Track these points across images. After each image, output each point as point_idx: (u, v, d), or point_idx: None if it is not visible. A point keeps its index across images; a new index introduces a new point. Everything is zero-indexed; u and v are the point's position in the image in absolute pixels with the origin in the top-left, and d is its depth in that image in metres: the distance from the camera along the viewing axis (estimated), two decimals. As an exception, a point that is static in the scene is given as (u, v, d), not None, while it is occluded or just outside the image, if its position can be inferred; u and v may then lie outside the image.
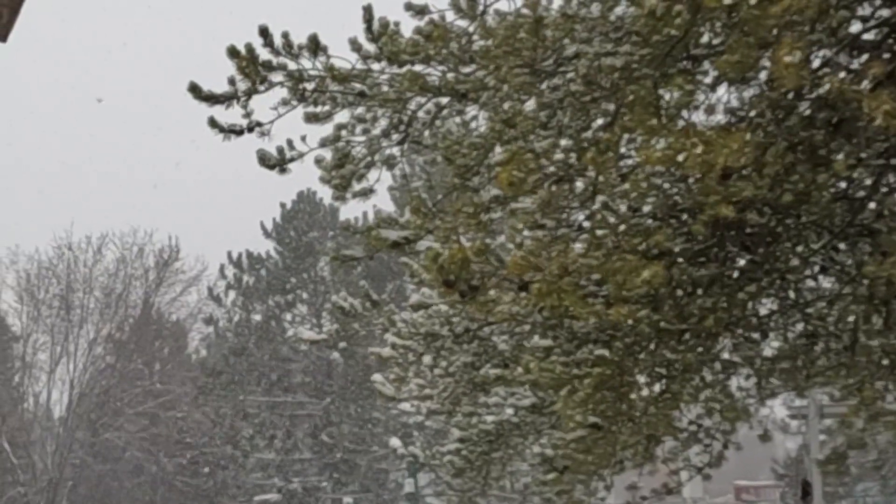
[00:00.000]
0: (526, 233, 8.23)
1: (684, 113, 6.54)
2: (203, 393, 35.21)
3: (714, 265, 6.93)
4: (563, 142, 7.64)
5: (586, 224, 8.02)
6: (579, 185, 7.96)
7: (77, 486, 41.11)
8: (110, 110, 61.89)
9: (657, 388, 7.93)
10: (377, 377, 12.65)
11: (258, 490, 34.34)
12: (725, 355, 7.81)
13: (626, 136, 7.01)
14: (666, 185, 7.18)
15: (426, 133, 9.23)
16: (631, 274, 6.39)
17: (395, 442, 19.71)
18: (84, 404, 40.95)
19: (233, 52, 8.56)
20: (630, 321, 7.37)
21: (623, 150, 7.32)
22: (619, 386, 7.87)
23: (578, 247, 7.84)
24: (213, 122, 8.74)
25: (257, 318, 36.43)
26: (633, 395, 7.90)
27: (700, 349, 7.44)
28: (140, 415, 40.38)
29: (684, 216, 7.02)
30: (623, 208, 7.65)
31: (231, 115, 8.83)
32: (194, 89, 8.60)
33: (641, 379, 7.96)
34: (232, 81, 8.67)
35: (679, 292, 7.17)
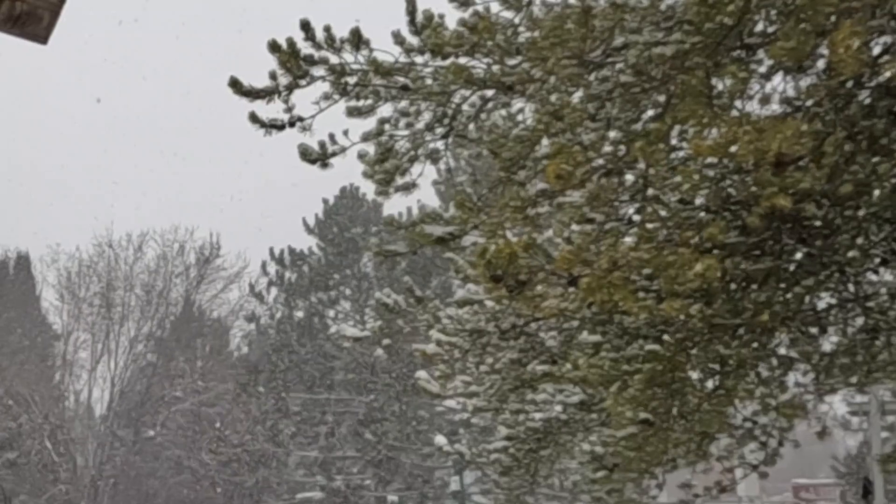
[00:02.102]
0: (574, 227, 8.19)
1: (737, 103, 6.46)
2: (245, 390, 35.40)
3: (770, 258, 6.85)
4: (612, 134, 7.58)
5: (636, 217, 7.96)
6: (629, 177, 7.90)
7: (118, 484, 41.49)
8: (149, 107, 62.38)
9: (710, 384, 7.86)
10: (421, 374, 12.65)
11: (301, 488, 34.50)
12: (782, 351, 7.72)
13: (677, 127, 6.94)
14: (719, 177, 7.11)
15: (471, 126, 9.20)
16: (684, 267, 6.33)
17: (440, 439, 19.71)
18: (125, 402, 41.31)
19: (274, 47, 8.58)
20: (682, 316, 7.31)
21: (674, 141, 7.26)
22: (671, 382, 7.81)
23: (628, 241, 7.79)
24: (253, 118, 8.78)
25: (299, 314, 36.53)
26: (685, 392, 7.84)
27: (755, 344, 7.36)
28: (181, 412, 40.66)
29: (738, 208, 6.94)
30: (674, 201, 7.59)
31: (272, 109, 8.88)
32: (235, 84, 8.63)
33: (694, 375, 7.89)
34: (273, 76, 8.69)
35: (733, 286, 7.10)
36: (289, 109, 8.83)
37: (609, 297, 6.79)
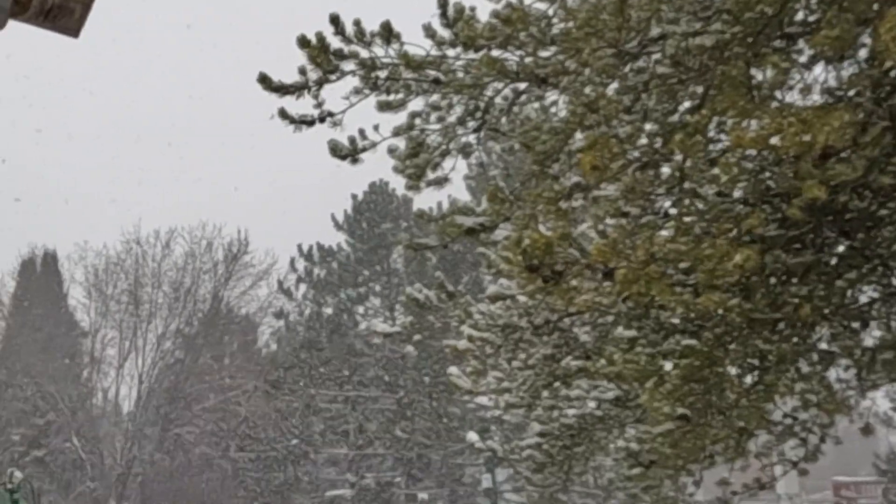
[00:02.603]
0: (608, 220, 8.16)
1: (778, 93, 6.42)
2: (273, 387, 35.48)
3: (810, 251, 6.79)
4: (648, 126, 7.55)
5: (672, 210, 7.92)
6: (665, 170, 7.86)
7: (146, 482, 41.71)
8: (178, 104, 62.65)
9: (749, 379, 7.81)
10: (453, 370, 12.63)
11: (330, 486, 34.57)
12: (823, 345, 7.66)
13: (714, 118, 6.90)
14: (757, 169, 7.06)
15: (503, 119, 9.18)
16: (722, 260, 6.30)
17: (472, 436, 19.70)
18: (153, 399, 41.48)
19: (303, 42, 8.59)
20: (720, 310, 7.27)
21: (711, 133, 7.22)
22: (709, 378, 7.77)
23: (664, 234, 7.75)
24: (283, 113, 8.79)
25: (329, 311, 36.56)
26: (723, 388, 7.79)
27: (796, 339, 7.31)
28: (209, 410, 40.82)
29: (778, 201, 6.89)
30: (711, 193, 7.54)
31: (301, 105, 8.88)
32: (264, 80, 8.65)
33: (732, 370, 7.84)
34: (302, 71, 8.70)
35: (773, 280, 7.05)
36: (319, 105, 8.84)
37: (646, 291, 6.76)
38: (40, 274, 45.11)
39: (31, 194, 56.39)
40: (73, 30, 4.99)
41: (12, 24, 4.85)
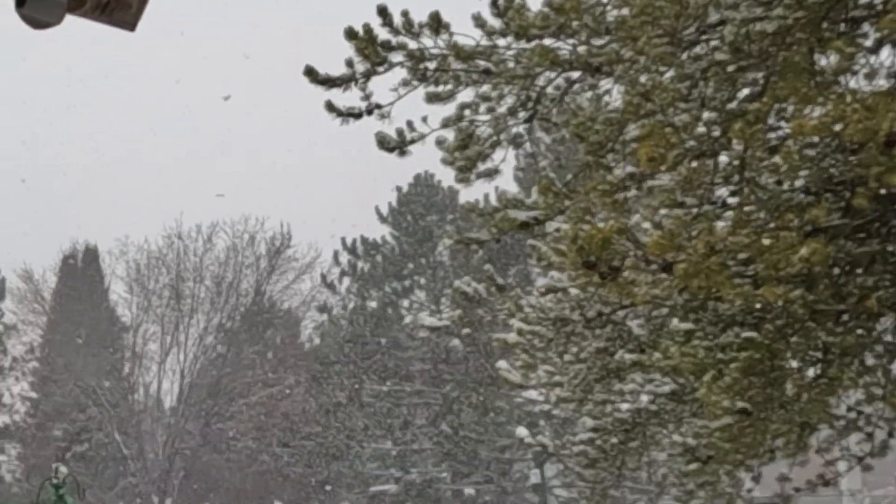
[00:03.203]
0: (663, 211, 8.10)
1: (842, 79, 6.34)
2: (317, 382, 35.60)
3: (876, 241, 6.72)
4: (706, 114, 7.48)
5: (730, 200, 7.86)
6: (722, 159, 7.80)
7: (188, 477, 42.01)
8: (220, 101, 62.94)
9: (812, 372, 7.73)
10: (503, 364, 12.59)
11: (375, 481, 34.66)
12: (888, 337, 7.58)
13: (774, 105, 6.83)
14: (820, 157, 6.98)
15: (555, 110, 9.14)
16: (786, 251, 6.24)
17: (521, 431, 19.67)
18: (195, 394, 41.75)
19: (350, 34, 8.60)
20: (781, 302, 7.20)
21: (770, 120, 7.15)
22: (770, 370, 7.71)
23: (721, 225, 7.69)
24: (330, 106, 8.81)
25: (373, 305, 36.60)
26: (785, 381, 7.73)
27: (860, 331, 7.23)
28: (252, 405, 41.02)
29: (841, 189, 6.82)
30: (771, 182, 7.47)
31: (348, 98, 8.89)
32: (310, 73, 8.66)
33: (794, 363, 7.77)
34: (349, 63, 8.71)
35: (836, 271, 6.98)
36: (366, 97, 8.85)
37: (706, 283, 6.71)
38: (82, 269, 45.56)
39: (71, 190, 56.98)
40: (130, 23, 5.02)
41: (69, 19, 4.88)
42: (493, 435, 30.15)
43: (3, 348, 44.38)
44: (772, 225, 6.75)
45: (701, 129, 7.45)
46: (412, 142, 9.25)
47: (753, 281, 7.27)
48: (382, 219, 36.90)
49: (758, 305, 7.56)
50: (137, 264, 43.22)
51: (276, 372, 41.57)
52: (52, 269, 45.42)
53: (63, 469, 18.75)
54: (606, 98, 8.72)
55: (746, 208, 7.15)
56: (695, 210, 7.85)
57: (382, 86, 8.93)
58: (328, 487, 37.92)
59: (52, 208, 52.60)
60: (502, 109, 9.15)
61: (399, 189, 36.64)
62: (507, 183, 22.10)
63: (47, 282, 45.50)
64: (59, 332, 43.61)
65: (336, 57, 8.79)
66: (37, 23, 4.87)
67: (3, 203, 54.01)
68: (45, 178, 57.68)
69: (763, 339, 7.57)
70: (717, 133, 7.37)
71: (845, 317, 7.10)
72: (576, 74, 8.56)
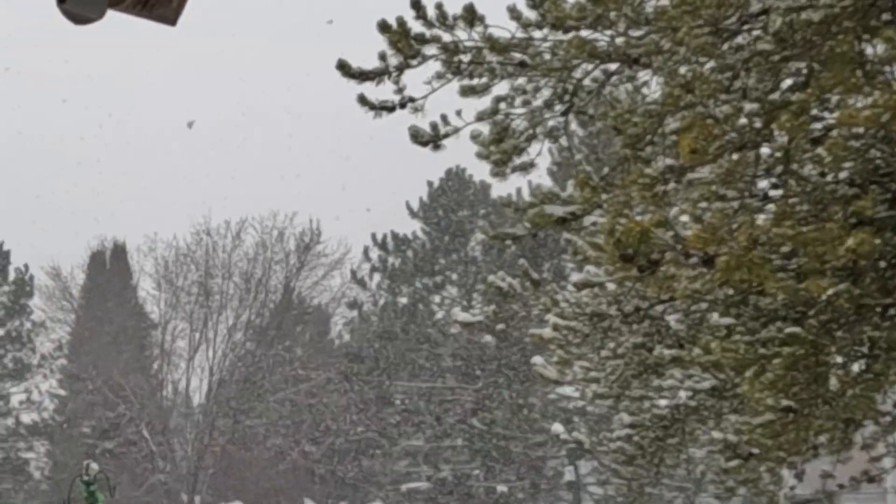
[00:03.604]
0: (703, 204, 8.06)
1: (889, 69, 6.29)
2: (347, 379, 35.65)
3: (924, 233, 6.66)
4: (747, 106, 7.43)
5: (772, 193, 7.81)
6: (764, 151, 7.75)
7: (217, 474, 42.18)
8: (248, 96, 63.16)
9: (857, 367, 7.68)
10: (538, 360, 12.57)
11: (406, 478, 34.69)
12: (936, 331, 7.51)
13: (818, 97, 6.78)
14: (865, 148, 6.93)
15: (592, 102, 9.11)
16: (832, 243, 6.19)
17: (557, 427, 19.66)
18: (224, 391, 41.89)
19: (383, 27, 8.60)
20: (826, 295, 7.15)
21: (813, 111, 7.10)
22: (814, 366, 7.66)
23: (762, 218, 7.64)
24: (362, 100, 8.80)
25: (403, 301, 36.60)
26: (829, 376, 7.67)
27: (907, 325, 7.17)
28: (281, 401, 41.12)
29: (887, 180, 6.77)
30: (814, 174, 7.42)
31: (381, 91, 8.89)
32: (343, 66, 8.67)
33: (838, 358, 7.72)
34: (382, 57, 8.70)
35: (882, 264, 6.93)
36: (399, 90, 8.84)
37: (750, 277, 6.66)
38: (110, 266, 45.78)
39: (99, 187, 57.35)
40: (170, 18, 5.03)
41: (110, 14, 4.90)
42: (526, 431, 30.08)
43: (32, 346, 44.71)
44: (816, 216, 6.70)
45: (742, 120, 7.40)
46: (446, 136, 9.25)
47: (796, 274, 7.22)
48: (413, 214, 36.83)
49: (801, 299, 7.51)
50: (166, 261, 43.42)
51: (306, 369, 41.60)
52: (81, 266, 45.70)
53: (94, 466, 18.90)
54: (645, 90, 8.69)
55: (790, 200, 7.10)
56: (736, 203, 7.81)
57: (416, 79, 8.93)
58: (359, 485, 37.99)
59: (81, 205, 52.99)
60: (538, 102, 9.13)
61: (430, 184, 36.58)
62: (541, 177, 22.02)
63: (75, 279, 45.80)
64: (88, 330, 43.86)
65: (371, 47, 8.81)
66: (78, 18, 4.88)
67: (32, 199, 54.43)
68: (74, 175, 58.12)
69: (807, 334, 7.52)
70: (758, 124, 7.32)
71: (892, 311, 7.05)
72: (613, 66, 8.53)
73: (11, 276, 44.55)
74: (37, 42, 51.20)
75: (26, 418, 43.79)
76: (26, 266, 44.56)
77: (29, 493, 42.96)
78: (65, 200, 55.40)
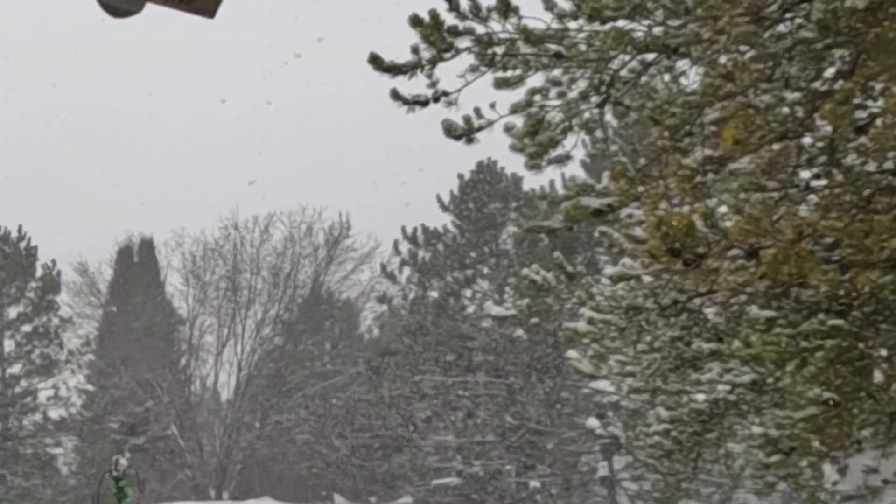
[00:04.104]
0: (743, 195, 8.02)
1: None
2: (376, 373, 35.68)
3: (973, 224, 6.59)
4: (790, 95, 7.39)
5: (815, 184, 7.76)
6: (806, 140, 7.70)
7: (245, 469, 42.34)
8: (275, 90, 63.18)
9: (902, 360, 7.63)
10: (573, 354, 12.55)
11: (436, 474, 34.70)
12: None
13: (863, 85, 6.73)
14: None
15: (629, 93, 9.07)
16: (883, 235, 6.15)
17: (592, 422, 19.65)
18: (252, 387, 42.02)
19: (415, 21, 8.58)
20: (870, 287, 7.11)
21: (858, 100, 7.04)
22: (857, 359, 7.61)
23: (804, 209, 7.60)
24: (395, 94, 8.80)
25: (434, 295, 36.56)
26: (873, 369, 7.63)
27: (955, 317, 7.12)
28: (310, 396, 41.22)
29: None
30: (857, 164, 7.36)
31: (414, 85, 8.88)
32: (375, 60, 8.66)
33: (883, 351, 7.68)
34: (415, 50, 8.70)
35: (930, 255, 6.87)
36: (433, 84, 8.84)
37: (796, 270, 6.62)
38: (137, 261, 46.00)
39: (126, 181, 57.63)
40: (210, 11, 5.04)
41: (148, 7, 4.91)
42: (559, 426, 30.02)
43: (59, 341, 45.00)
44: (863, 208, 6.65)
45: (784, 110, 7.36)
46: (480, 129, 9.23)
47: (840, 266, 7.17)
48: (444, 207, 36.81)
49: (844, 291, 7.47)
50: (193, 256, 43.55)
51: (335, 364, 41.69)
52: (108, 261, 45.94)
53: (123, 461, 18.99)
54: (683, 80, 8.65)
55: (835, 191, 7.05)
56: (777, 194, 7.77)
57: (448, 72, 8.91)
58: (388, 480, 38.05)
59: (108, 200, 53.27)
60: (574, 94, 9.10)
61: (461, 176, 36.54)
62: (574, 169, 21.99)
63: (103, 274, 46.02)
64: (115, 325, 44.09)
65: (405, 41, 8.79)
66: (117, 11, 4.90)
67: (59, 196, 54.75)
68: (100, 169, 58.46)
69: (850, 327, 7.48)
70: (801, 114, 7.27)
71: (939, 303, 6.98)
72: (651, 56, 8.48)
73: (39, 272, 44.84)
74: (63, 37, 51.55)
75: (54, 414, 44.12)
76: (53, 262, 44.89)
77: (57, 489, 43.26)
78: (92, 196, 55.64)
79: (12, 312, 44.07)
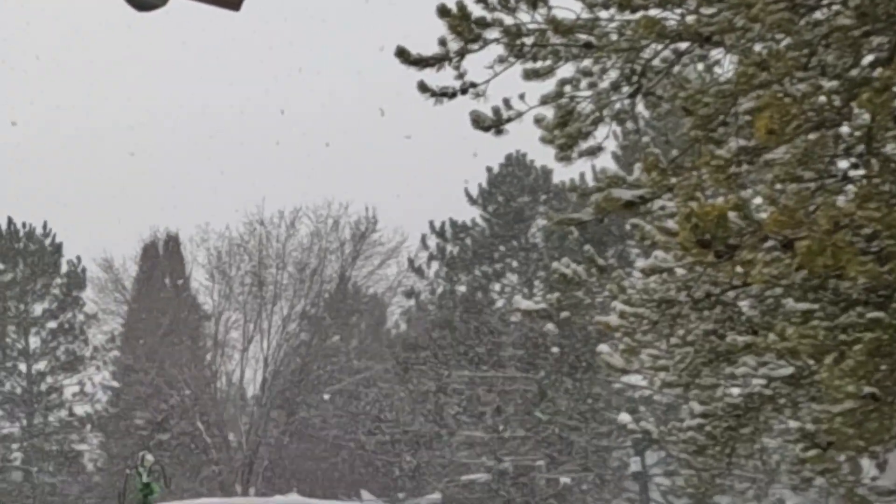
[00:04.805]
0: (778, 186, 7.97)
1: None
2: (404, 369, 35.69)
3: None
4: (826, 83, 7.34)
5: (853, 173, 7.71)
6: (844, 130, 7.65)
7: (272, 466, 42.46)
8: (302, 85, 63.22)
9: (944, 353, 7.57)
10: (604, 348, 12.51)
11: (465, 469, 34.70)
12: None
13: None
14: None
15: (660, 84, 9.04)
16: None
17: (624, 417, 19.65)
18: (278, 382, 42.09)
19: (443, 12, 8.57)
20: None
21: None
22: (898, 352, 7.56)
23: (841, 199, 7.54)
24: (423, 87, 8.80)
25: (462, 289, 36.52)
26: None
27: None
28: (337, 392, 41.26)
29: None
30: (895, 154, 7.31)
31: (441, 77, 8.88)
32: (402, 53, 8.66)
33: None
34: (443, 42, 8.69)
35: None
36: (460, 76, 8.83)
37: (833, 261, 6.58)
38: (163, 257, 46.17)
39: (150, 176, 57.83)
40: (235, 4, 5.06)
41: (174, 1, 4.92)
42: (590, 421, 29.96)
43: (85, 338, 45.23)
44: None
45: (821, 98, 7.31)
46: (509, 120, 9.22)
47: (878, 257, 7.12)
48: (472, 200, 36.76)
49: (883, 283, 7.42)
50: (219, 251, 43.56)
51: (362, 359, 41.70)
52: (133, 257, 46.11)
53: (149, 457, 19.08)
54: (717, 69, 8.61)
55: (873, 180, 7.00)
56: (813, 184, 7.72)
57: (476, 64, 8.90)
58: (417, 476, 38.08)
59: (132, 196, 53.46)
60: (605, 84, 9.08)
61: (489, 169, 36.46)
62: (605, 160, 21.91)
63: (128, 270, 46.19)
64: (140, 321, 44.27)
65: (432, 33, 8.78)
66: (143, 5, 4.92)
67: (83, 192, 55.05)
68: (124, 165, 58.69)
69: (890, 319, 7.44)
70: (838, 102, 7.23)
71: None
72: (684, 45, 8.45)
73: (64, 268, 45.12)
74: (87, 31, 51.77)
75: (80, 410, 44.35)
76: (79, 258, 45.11)
77: (83, 486, 43.54)
78: (116, 192, 55.88)
79: (37, 309, 44.34)
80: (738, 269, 7.70)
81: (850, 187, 7.72)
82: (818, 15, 7.08)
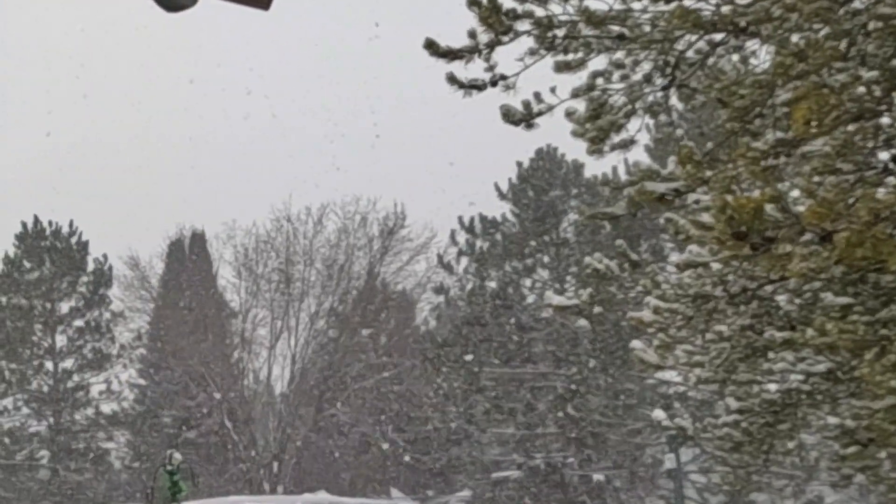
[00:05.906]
0: (817, 178, 7.92)
1: None
2: (433, 365, 35.70)
3: None
4: (866, 74, 7.29)
5: (893, 165, 7.67)
6: (884, 121, 7.60)
7: (299, 463, 42.58)
8: (324, 81, 63.39)
9: None
10: (637, 344, 12.46)
11: (496, 467, 34.74)
12: None
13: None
14: None
15: (694, 75, 9.00)
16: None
17: (658, 414, 19.56)
18: (306, 380, 42.21)
19: (473, 3, 8.55)
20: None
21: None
22: (941, 347, 7.51)
23: (881, 191, 7.49)
24: (452, 79, 8.78)
25: (492, 285, 36.46)
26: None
27: None
28: (366, 389, 41.35)
29: None
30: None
31: (471, 69, 8.86)
32: (431, 45, 8.65)
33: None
34: (472, 34, 8.67)
35: None
36: (490, 68, 8.81)
37: (873, 254, 6.54)
38: (189, 255, 46.38)
39: (176, 174, 58.14)
40: (264, 3, 5.09)
41: (203, 1, 4.94)
42: (623, 418, 29.89)
43: (111, 336, 45.48)
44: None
45: (860, 89, 7.27)
46: (539, 114, 9.20)
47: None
48: (502, 195, 36.71)
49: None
50: (245, 248, 43.74)
51: (391, 356, 41.76)
52: (159, 255, 46.35)
53: (177, 455, 19.26)
54: (753, 60, 8.57)
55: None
56: (853, 176, 7.67)
57: (507, 56, 8.88)
58: (447, 473, 38.13)
59: (158, 193, 53.75)
60: (637, 76, 9.05)
61: (520, 164, 36.41)
62: (637, 154, 21.82)
63: (154, 268, 46.43)
64: (167, 319, 44.49)
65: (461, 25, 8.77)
66: (172, 6, 4.94)
67: (109, 190, 55.41)
68: (150, 164, 59.02)
69: (933, 313, 7.38)
70: (878, 93, 7.19)
71: None
72: (719, 36, 8.42)
73: (90, 266, 45.38)
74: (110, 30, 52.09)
75: (106, 408, 44.61)
76: (105, 256, 45.38)
77: (110, 484, 43.80)
78: (142, 190, 56.25)
79: (64, 307, 44.64)
80: (777, 262, 7.65)
81: (891, 179, 7.68)
82: (857, 4, 7.03)
